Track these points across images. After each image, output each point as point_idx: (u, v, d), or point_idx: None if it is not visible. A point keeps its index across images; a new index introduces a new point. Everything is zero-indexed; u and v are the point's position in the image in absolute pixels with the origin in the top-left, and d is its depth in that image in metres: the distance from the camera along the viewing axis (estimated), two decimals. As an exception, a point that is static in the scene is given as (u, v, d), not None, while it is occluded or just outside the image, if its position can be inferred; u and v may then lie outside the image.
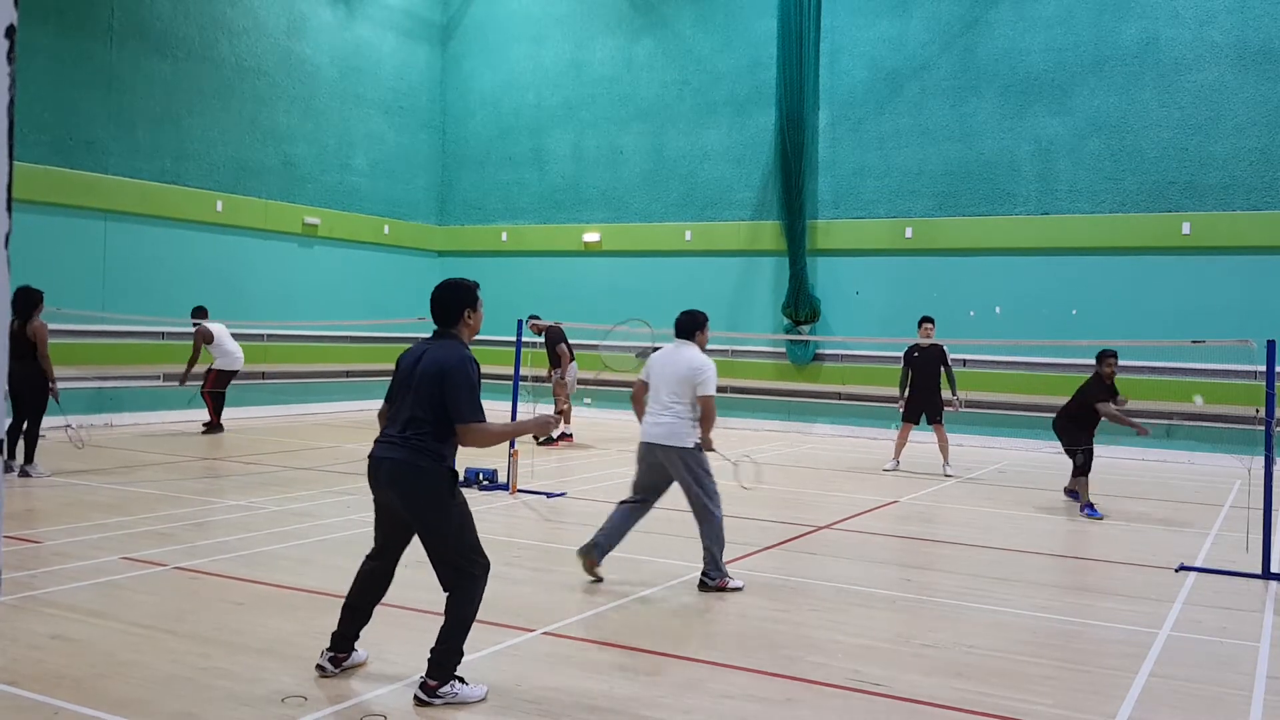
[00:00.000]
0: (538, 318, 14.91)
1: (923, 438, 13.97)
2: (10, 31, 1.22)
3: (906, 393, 13.28)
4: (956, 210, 17.26)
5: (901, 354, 13.72)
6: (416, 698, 4.60)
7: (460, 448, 4.76)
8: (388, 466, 4.70)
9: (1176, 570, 7.83)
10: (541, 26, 20.83)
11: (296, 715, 4.39)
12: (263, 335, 17.89)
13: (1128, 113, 16.07)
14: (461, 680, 4.67)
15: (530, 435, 11.34)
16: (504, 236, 21.13)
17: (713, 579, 6.81)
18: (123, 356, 15.78)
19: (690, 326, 7.05)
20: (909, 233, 17.53)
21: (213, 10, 17.23)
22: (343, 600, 5.00)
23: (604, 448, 14.98)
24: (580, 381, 15.96)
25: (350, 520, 8.75)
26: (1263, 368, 7.79)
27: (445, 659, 4.64)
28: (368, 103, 20.09)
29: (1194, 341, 9.24)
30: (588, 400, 19.95)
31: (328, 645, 4.96)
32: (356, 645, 5.02)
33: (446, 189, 21.93)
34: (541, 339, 15.29)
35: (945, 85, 17.35)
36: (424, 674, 4.65)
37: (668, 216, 19.66)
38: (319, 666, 4.90)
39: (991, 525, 9.77)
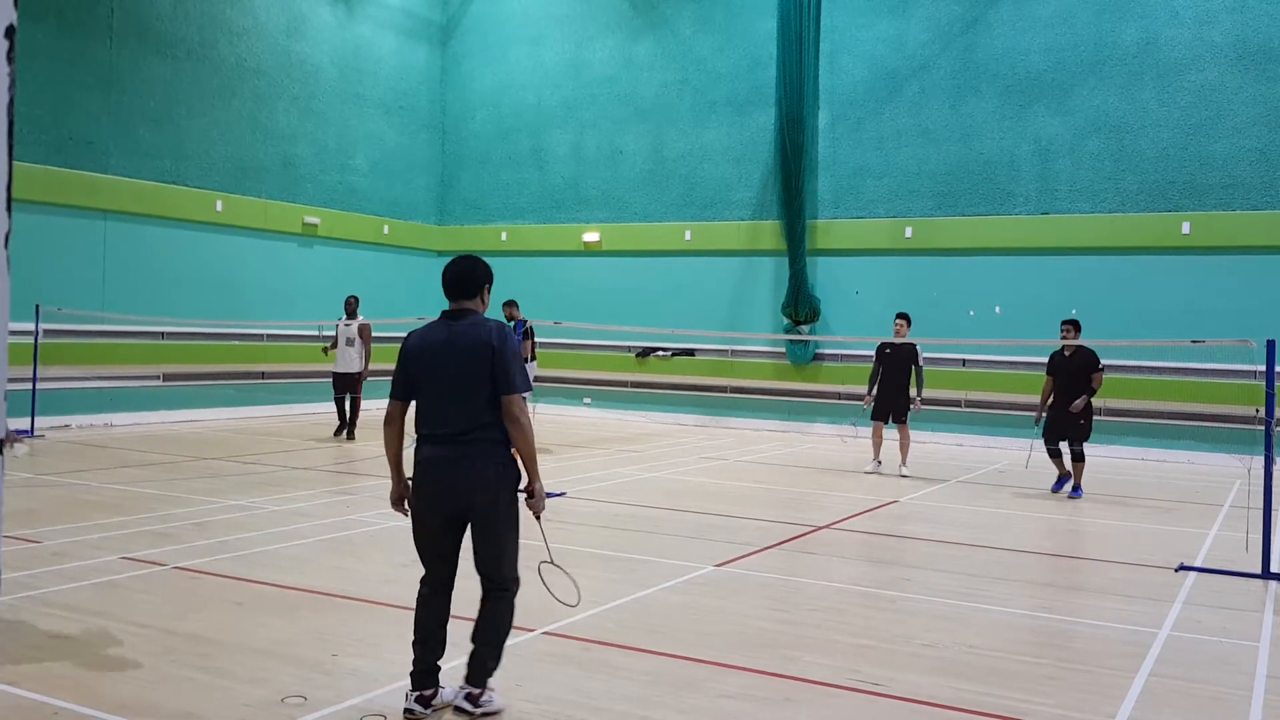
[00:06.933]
0: (516, 304, 14.90)
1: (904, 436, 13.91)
2: (10, 31, 1.22)
3: (875, 390, 12.91)
4: (956, 210, 17.26)
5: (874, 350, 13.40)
6: (459, 708, 4.36)
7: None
8: (467, 468, 4.34)
9: (1176, 570, 7.82)
10: (541, 26, 20.83)
11: (296, 715, 4.39)
12: (263, 335, 17.89)
13: (1128, 113, 16.06)
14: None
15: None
16: (504, 236, 21.12)
17: None
18: (123, 356, 15.77)
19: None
20: (909, 233, 17.52)
21: (213, 10, 17.23)
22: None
23: (604, 448, 14.98)
24: None
25: (350, 520, 8.75)
26: (1263, 368, 7.79)
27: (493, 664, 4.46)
28: (368, 103, 20.08)
29: (1194, 341, 9.25)
30: (587, 400, 19.96)
31: (410, 686, 4.45)
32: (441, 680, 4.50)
33: (446, 189, 21.92)
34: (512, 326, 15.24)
35: (945, 85, 17.35)
36: (467, 682, 4.40)
37: (668, 216, 19.66)
38: (407, 711, 4.37)
39: (991, 525, 9.76)
